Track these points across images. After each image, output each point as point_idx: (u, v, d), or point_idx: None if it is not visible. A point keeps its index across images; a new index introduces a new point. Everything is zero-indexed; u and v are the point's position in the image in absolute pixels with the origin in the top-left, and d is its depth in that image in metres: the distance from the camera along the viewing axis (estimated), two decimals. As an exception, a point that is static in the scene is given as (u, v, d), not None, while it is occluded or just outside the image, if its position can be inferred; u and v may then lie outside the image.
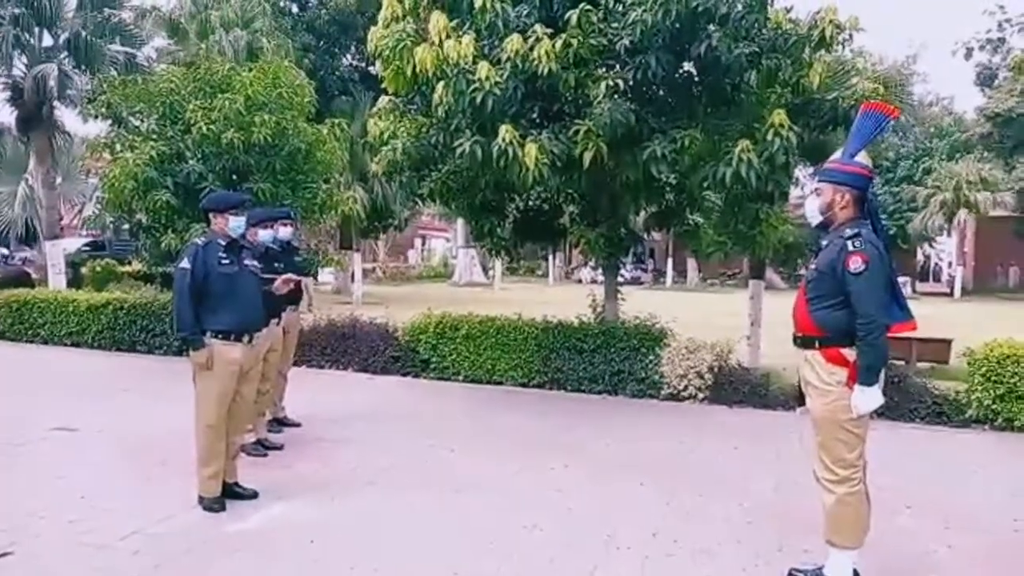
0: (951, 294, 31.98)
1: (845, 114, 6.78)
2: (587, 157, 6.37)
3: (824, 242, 3.27)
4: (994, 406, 6.44)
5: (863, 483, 3.24)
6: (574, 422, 6.66)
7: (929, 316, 18.45)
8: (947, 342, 8.22)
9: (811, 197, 3.35)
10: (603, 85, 6.24)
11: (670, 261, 36.69)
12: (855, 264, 3.04)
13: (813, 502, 3.42)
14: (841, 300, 3.10)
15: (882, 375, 3.12)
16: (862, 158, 3.24)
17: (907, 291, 32.26)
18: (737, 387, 7.34)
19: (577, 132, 6.39)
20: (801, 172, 29.16)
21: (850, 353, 3.09)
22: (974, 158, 32.38)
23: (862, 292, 3.03)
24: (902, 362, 8.30)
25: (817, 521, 3.39)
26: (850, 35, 6.66)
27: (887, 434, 6.41)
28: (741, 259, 22.66)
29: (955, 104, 38.93)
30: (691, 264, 36.81)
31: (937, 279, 38.68)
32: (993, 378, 6.42)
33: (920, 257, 39.60)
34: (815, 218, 3.30)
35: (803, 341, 3.27)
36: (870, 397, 3.06)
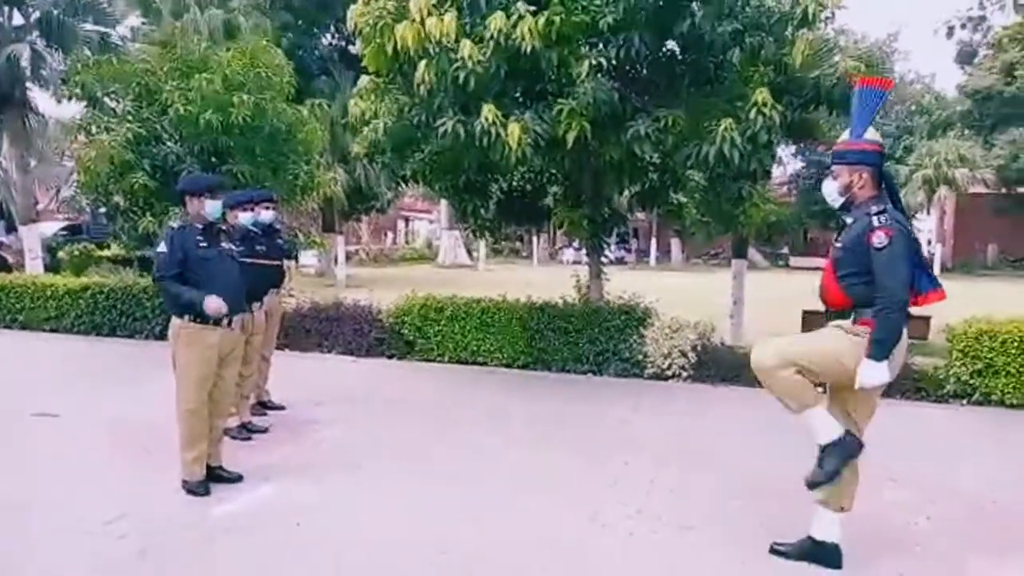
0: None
1: (827, 92, 6.78)
2: (570, 137, 6.33)
3: (849, 220, 3.27)
4: (972, 381, 6.54)
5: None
6: (559, 402, 6.69)
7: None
8: (926, 319, 8.30)
9: (828, 180, 3.35)
10: (586, 64, 6.19)
11: (654, 241, 36.79)
12: (878, 239, 3.06)
13: (795, 479, 3.45)
14: (872, 277, 3.10)
15: (900, 352, 3.17)
16: (870, 134, 3.25)
17: (887, 269, 32.87)
18: (721, 365, 7.39)
19: (560, 111, 6.34)
20: (784, 151, 29.19)
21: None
22: (954, 136, 32.61)
23: (884, 266, 3.04)
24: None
25: (800, 498, 3.43)
26: (832, 13, 6.65)
27: (879, 411, 6.51)
28: (725, 238, 22.75)
29: (936, 82, 39.14)
30: (675, 243, 36.96)
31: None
32: (971, 354, 6.51)
33: (901, 235, 39.89)
34: (835, 201, 3.31)
35: (838, 314, 3.28)
36: (878, 372, 3.05)
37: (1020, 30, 8.01)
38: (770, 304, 11.14)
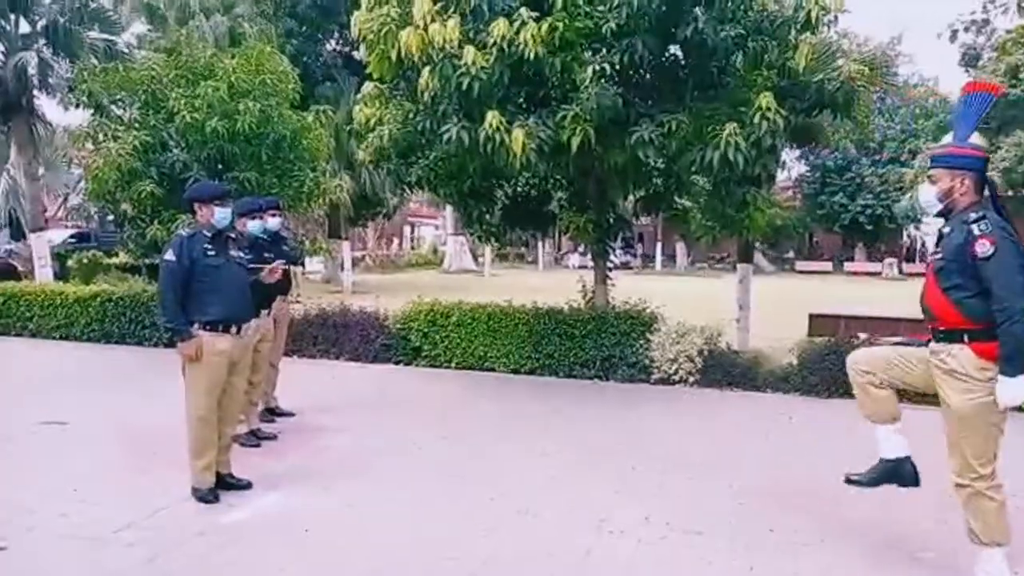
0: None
1: (831, 96, 6.78)
2: (575, 142, 6.35)
3: (947, 229, 3.13)
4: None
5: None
6: (566, 407, 6.69)
7: (913, 296, 18.71)
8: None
9: (925, 185, 3.26)
10: (590, 69, 6.21)
11: (659, 245, 36.78)
12: (983, 248, 2.92)
13: (803, 483, 3.46)
14: (982, 288, 2.95)
15: None
16: (975, 139, 3.20)
17: (894, 271, 32.74)
18: (727, 370, 7.40)
19: (564, 117, 6.37)
20: (788, 155, 29.16)
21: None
22: (961, 138, 32.56)
23: (995, 276, 2.90)
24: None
25: (807, 501, 3.43)
26: (835, 16, 6.66)
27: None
28: (730, 243, 22.78)
29: (940, 85, 39.00)
30: (680, 248, 36.92)
31: (923, 260, 38.90)
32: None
33: (906, 238, 39.82)
34: (934, 206, 3.19)
35: (947, 335, 3.08)
36: (1016, 388, 2.89)
37: (1023, 33, 8.02)
38: (777, 308, 11.11)
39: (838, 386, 6.96)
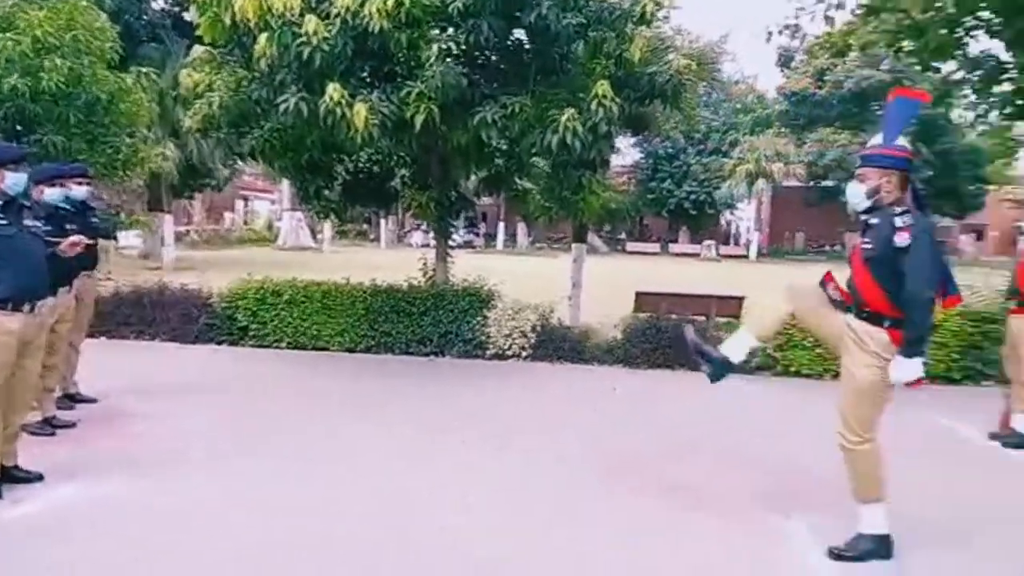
0: (747, 256, 35.40)
1: (661, 88, 7.14)
2: (419, 120, 6.27)
3: (875, 220, 3.29)
4: (776, 355, 7.33)
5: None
6: (400, 383, 6.72)
7: (729, 276, 20.45)
8: (740, 299, 9.05)
9: (854, 183, 3.38)
10: (435, 47, 6.14)
11: (502, 225, 37.38)
12: (902, 239, 3.12)
13: (626, 445, 3.65)
14: (900, 277, 3.15)
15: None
16: (900, 141, 3.35)
17: (711, 253, 35.52)
18: (558, 345, 7.77)
19: (409, 94, 6.26)
20: (623, 142, 30.56)
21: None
22: (773, 133, 35.74)
23: (909, 267, 3.10)
24: (703, 318, 9.11)
25: (626, 462, 3.62)
26: (668, 13, 7.03)
27: (695, 384, 7.05)
28: (568, 224, 23.58)
29: (759, 82, 42.56)
30: (521, 228, 37.73)
31: (737, 243, 42.53)
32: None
33: (723, 223, 43.28)
34: (862, 203, 3.34)
35: (871, 317, 3.25)
36: (912, 367, 3.12)
37: (828, 39, 9.01)
38: (608, 286, 11.66)
39: (658, 357, 7.55)
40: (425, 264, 8.45)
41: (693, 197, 37.80)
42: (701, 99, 33.17)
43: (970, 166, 33.00)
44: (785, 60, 38.40)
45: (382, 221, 35.03)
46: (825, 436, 3.45)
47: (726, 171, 35.22)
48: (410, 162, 8.48)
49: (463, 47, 6.38)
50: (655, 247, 38.48)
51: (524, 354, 7.67)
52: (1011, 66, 7.80)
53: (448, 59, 6.17)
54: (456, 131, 6.89)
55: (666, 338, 7.59)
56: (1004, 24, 7.45)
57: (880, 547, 3.26)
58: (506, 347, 7.66)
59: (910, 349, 3.12)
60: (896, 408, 3.32)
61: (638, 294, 9.30)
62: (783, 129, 36.26)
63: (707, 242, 37.14)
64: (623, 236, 40.71)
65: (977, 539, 3.59)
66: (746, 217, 42.82)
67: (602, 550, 3.42)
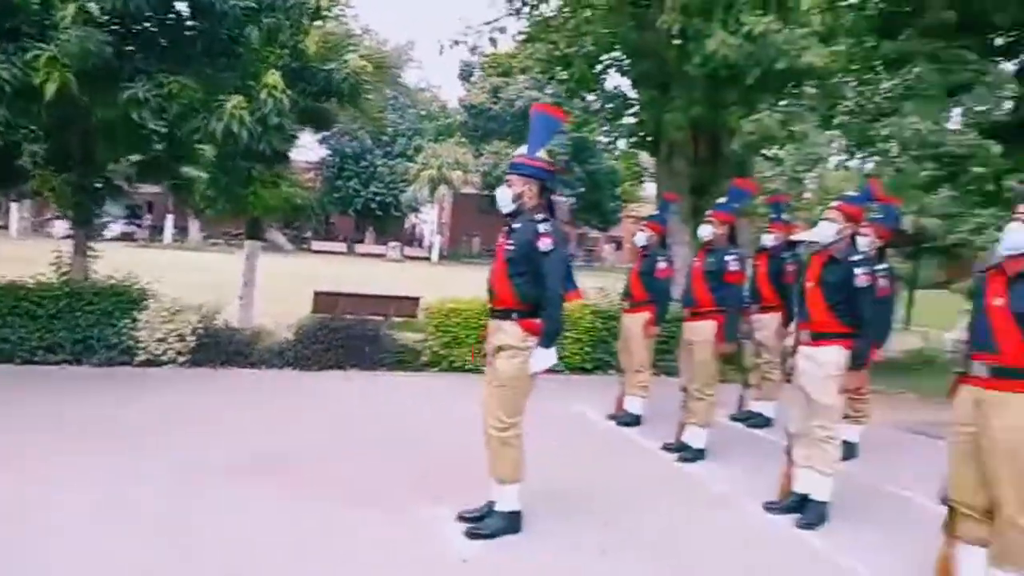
0: (429, 258, 37.02)
1: (338, 85, 7.13)
2: (50, 88, 5.43)
3: (517, 224, 3.57)
4: (443, 352, 7.73)
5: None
6: (20, 397, 5.72)
7: (411, 277, 21.15)
8: (416, 299, 9.43)
9: (503, 188, 3.61)
10: (72, 7, 5.40)
11: (170, 217, 33.96)
12: (545, 244, 3.44)
13: (283, 446, 3.56)
14: (536, 276, 3.49)
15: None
16: (542, 154, 3.62)
17: (396, 254, 36.43)
18: (223, 348, 7.24)
19: (38, 57, 5.39)
20: (309, 138, 29.66)
21: (539, 322, 3.51)
22: (454, 142, 37.83)
23: (549, 269, 3.46)
24: (382, 318, 9.31)
25: (283, 462, 3.53)
26: (343, 10, 7.04)
27: (366, 382, 7.17)
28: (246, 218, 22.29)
29: (443, 92, 44.78)
30: (193, 221, 34.73)
31: (421, 245, 44.18)
32: (443, 329, 7.69)
33: (408, 225, 44.70)
34: (508, 206, 3.59)
35: (502, 313, 3.59)
36: (548, 357, 3.51)
37: (494, 60, 9.84)
38: (290, 286, 11.28)
39: (330, 358, 7.48)
40: (59, 258, 7.27)
41: (380, 198, 38.38)
42: (388, 102, 33.80)
43: (611, 185, 38.56)
44: (466, 74, 40.97)
45: (12, 205, 29.49)
46: (479, 425, 3.70)
47: (411, 175, 36.40)
48: (43, 138, 7.29)
49: (108, 13, 5.67)
50: (342, 246, 38.26)
51: (182, 359, 6.99)
52: (635, 102, 9.29)
53: (88, 23, 5.44)
54: (101, 106, 6.11)
55: (338, 338, 7.57)
56: (632, 65, 8.84)
57: (511, 523, 3.63)
58: (160, 352, 6.90)
59: (548, 341, 3.52)
60: (539, 397, 3.73)
61: (316, 294, 9.17)
62: (463, 139, 38.61)
63: (392, 243, 37.98)
64: (309, 234, 39.73)
65: (598, 502, 4.18)
66: (429, 220, 44.70)
67: (255, 546, 3.30)
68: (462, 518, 3.68)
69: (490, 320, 3.72)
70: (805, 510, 4.05)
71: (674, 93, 8.27)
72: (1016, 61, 9.88)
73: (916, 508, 3.63)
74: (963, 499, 3.03)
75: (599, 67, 8.98)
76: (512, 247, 3.56)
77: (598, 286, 9.00)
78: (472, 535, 3.56)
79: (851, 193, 4.30)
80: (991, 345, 2.89)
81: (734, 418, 6.45)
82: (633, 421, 6.09)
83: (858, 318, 3.87)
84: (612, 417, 6.24)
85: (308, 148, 33.56)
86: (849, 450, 5.47)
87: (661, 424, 5.63)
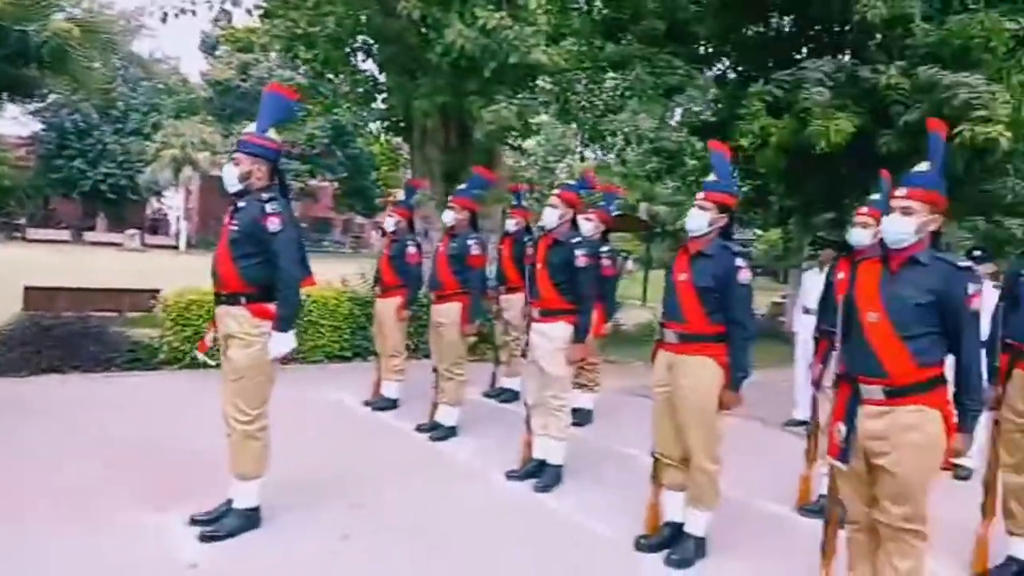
0: (177, 247, 33.98)
1: (37, 49, 6.25)
2: None
3: (242, 204, 3.42)
4: (183, 347, 7.10)
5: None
6: None
7: (154, 268, 19.26)
8: (154, 292, 8.62)
9: (229, 165, 3.49)
10: None
11: None
12: (273, 224, 3.31)
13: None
14: (265, 258, 3.35)
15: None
16: (272, 133, 3.50)
17: (136, 243, 32.93)
18: None
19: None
20: (20, 110, 25.65)
21: (271, 307, 3.37)
22: (199, 120, 34.91)
23: (281, 249, 3.33)
24: (115, 314, 8.41)
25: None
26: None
27: (92, 385, 6.40)
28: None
29: (183, 65, 41.06)
30: None
31: (166, 232, 40.36)
32: (182, 322, 7.09)
33: (150, 211, 40.62)
34: (234, 185, 3.46)
35: (229, 298, 3.43)
36: (287, 341, 3.40)
37: (234, 34, 9.13)
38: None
39: (42, 361, 6.60)
40: None
41: (112, 180, 34.41)
42: (118, 73, 30.30)
43: (374, 171, 38.18)
44: (208, 46, 37.94)
45: None
46: (217, 424, 3.49)
47: (149, 154, 33.03)
48: None
49: None
50: (65, 234, 33.68)
51: None
52: (385, 86, 9.26)
53: None
54: None
55: (53, 338, 6.67)
56: (379, 49, 8.78)
57: (250, 520, 3.47)
58: None
59: (285, 324, 3.41)
60: (295, 386, 3.60)
61: (27, 288, 8.07)
62: (209, 117, 35.80)
63: (131, 231, 34.18)
64: (22, 221, 34.44)
65: (346, 488, 4.12)
66: (175, 206, 41.00)
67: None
68: (195, 521, 3.46)
69: (217, 306, 3.52)
70: (541, 474, 4.38)
71: (420, 80, 8.37)
72: (716, 68, 11.39)
73: (640, 464, 4.05)
74: (664, 450, 3.48)
75: (347, 49, 8.79)
76: (236, 227, 3.40)
77: (359, 272, 8.89)
78: (206, 538, 3.35)
79: (570, 182, 4.69)
80: (679, 315, 3.34)
81: (487, 395, 6.75)
82: (390, 405, 6.13)
83: (580, 295, 4.23)
84: (368, 403, 6.23)
85: (16, 120, 29.02)
86: (585, 417, 6.03)
87: (418, 406, 5.72)
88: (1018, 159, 8.84)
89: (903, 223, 2.53)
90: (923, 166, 2.61)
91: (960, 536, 3.46)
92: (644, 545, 3.52)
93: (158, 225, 41.88)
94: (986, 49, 8.62)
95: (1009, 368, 3.38)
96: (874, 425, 2.56)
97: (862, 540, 2.74)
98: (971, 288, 2.48)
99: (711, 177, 3.48)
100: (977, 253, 5.16)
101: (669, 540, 3.49)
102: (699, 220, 3.30)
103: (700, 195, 3.36)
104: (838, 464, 2.66)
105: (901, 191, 2.58)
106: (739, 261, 3.24)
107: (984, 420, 3.50)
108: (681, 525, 3.48)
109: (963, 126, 8.11)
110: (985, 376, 3.90)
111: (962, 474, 4.49)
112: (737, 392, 3.29)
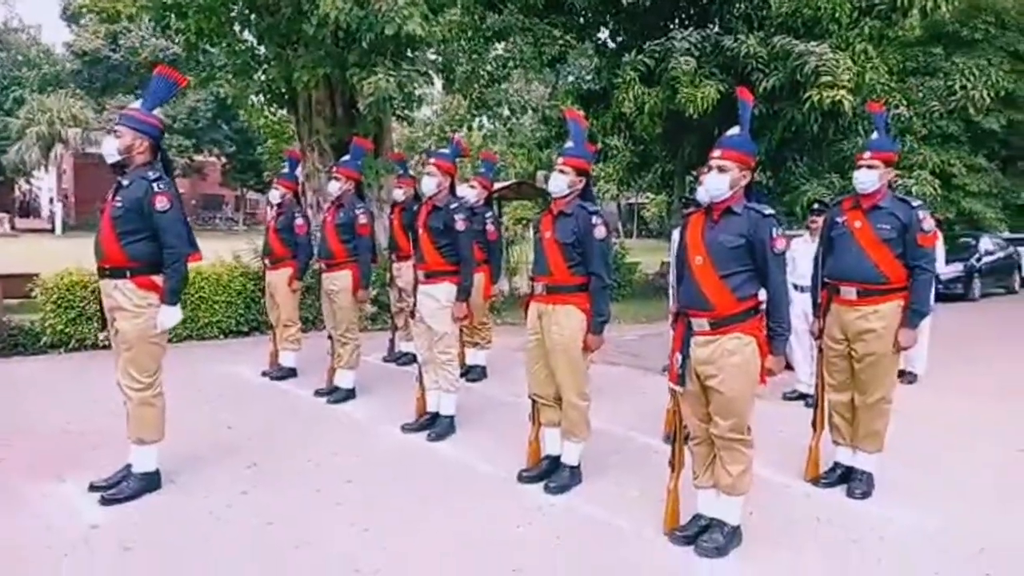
0: (53, 230, 31.89)
1: None
2: None
3: (126, 181, 3.50)
4: (67, 330, 6.96)
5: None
6: None
7: (28, 252, 18.11)
8: (30, 276, 8.29)
9: (110, 137, 3.56)
10: None
11: None
12: (162, 203, 3.44)
13: None
14: (150, 234, 3.47)
15: None
16: (157, 112, 3.63)
17: (5, 228, 30.68)
18: None
19: None
20: None
21: (159, 279, 3.50)
22: (67, 94, 32.57)
23: (168, 226, 3.47)
24: (-12, 301, 8.04)
25: None
26: None
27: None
28: None
29: (44, 35, 38.02)
30: None
31: (38, 215, 37.73)
32: (65, 304, 6.92)
33: (19, 192, 37.79)
34: (113, 157, 3.53)
35: (112, 272, 3.52)
36: (174, 314, 3.56)
37: (96, 3, 8.55)
38: None
39: None
40: None
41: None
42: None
43: (261, 144, 36.79)
44: (73, 15, 35.33)
45: None
46: (108, 402, 3.59)
47: (13, 132, 30.66)
48: None
49: None
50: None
51: None
52: (264, 57, 9.11)
53: None
54: None
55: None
56: (257, 20, 8.63)
57: (149, 483, 3.62)
58: None
59: (173, 297, 3.57)
60: (192, 361, 3.73)
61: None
62: (79, 91, 33.49)
63: (-1, 215, 31.82)
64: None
65: (245, 450, 4.31)
66: (46, 187, 38.30)
67: None
68: (95, 487, 3.58)
69: (102, 281, 3.61)
70: (435, 424, 4.70)
71: (300, 52, 8.32)
72: (597, 38, 11.82)
73: (523, 410, 4.42)
74: (539, 392, 3.86)
75: (223, 20, 8.58)
76: (120, 204, 3.49)
77: (252, 247, 8.83)
78: (106, 501, 3.49)
79: (443, 151, 4.94)
80: (546, 269, 3.70)
81: (386, 359, 7.00)
82: (288, 374, 6.27)
83: (461, 257, 4.53)
84: (266, 373, 6.33)
85: None
86: (479, 373, 6.39)
87: (315, 375, 5.90)
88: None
89: (719, 179, 2.96)
90: (734, 130, 3.04)
91: (796, 451, 4.04)
92: (526, 477, 3.90)
93: (29, 208, 39.04)
94: (832, 19, 9.44)
95: (828, 303, 3.88)
96: (703, 352, 3.00)
97: (703, 452, 3.21)
98: (775, 232, 2.94)
99: (568, 144, 3.82)
100: (816, 206, 5.82)
101: (548, 471, 3.89)
102: (559, 183, 3.65)
103: (559, 160, 3.70)
104: (677, 388, 3.11)
105: (716, 152, 3.00)
106: (595, 219, 3.60)
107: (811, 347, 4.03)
108: (558, 457, 3.88)
109: (812, 91, 8.89)
110: (810, 310, 4.52)
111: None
112: (599, 335, 3.68)
